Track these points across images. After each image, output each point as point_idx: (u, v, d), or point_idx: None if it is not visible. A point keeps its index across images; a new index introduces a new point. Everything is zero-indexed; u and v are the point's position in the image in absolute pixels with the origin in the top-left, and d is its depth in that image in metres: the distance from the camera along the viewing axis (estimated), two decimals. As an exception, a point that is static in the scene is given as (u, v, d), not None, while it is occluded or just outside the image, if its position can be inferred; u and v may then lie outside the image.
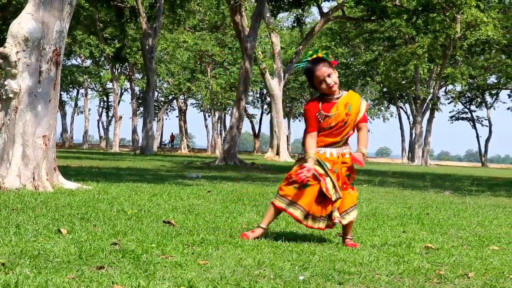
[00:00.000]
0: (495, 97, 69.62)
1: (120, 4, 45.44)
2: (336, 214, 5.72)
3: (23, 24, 10.16)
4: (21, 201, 8.05)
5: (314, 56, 5.82)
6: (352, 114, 5.74)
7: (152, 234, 5.67)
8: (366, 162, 44.86)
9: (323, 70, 5.72)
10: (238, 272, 4.24)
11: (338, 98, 5.78)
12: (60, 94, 70.81)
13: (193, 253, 4.87)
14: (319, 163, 5.70)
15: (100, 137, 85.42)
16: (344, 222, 5.78)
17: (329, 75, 5.70)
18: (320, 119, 5.74)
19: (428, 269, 4.70)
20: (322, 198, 5.71)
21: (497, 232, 7.10)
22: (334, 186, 5.67)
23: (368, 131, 6.14)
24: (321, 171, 5.68)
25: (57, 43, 10.51)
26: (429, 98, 53.51)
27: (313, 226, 5.76)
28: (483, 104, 70.62)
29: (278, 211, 5.83)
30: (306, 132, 5.82)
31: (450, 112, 75.52)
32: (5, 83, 10.13)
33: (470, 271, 4.71)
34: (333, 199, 5.67)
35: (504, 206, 10.85)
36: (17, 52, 10.11)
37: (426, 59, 50.35)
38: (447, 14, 43.31)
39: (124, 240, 5.32)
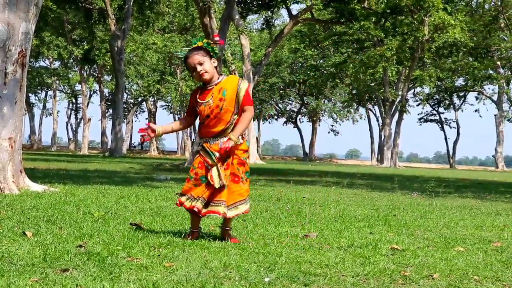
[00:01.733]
0: (462, 99, 70.21)
1: (89, 6, 45.22)
2: (221, 209, 5.67)
3: (-11, 25, 10.06)
4: (-14, 204, 7.97)
5: (195, 45, 5.82)
6: (227, 98, 5.66)
7: (118, 237, 5.64)
8: (335, 164, 44.77)
9: (195, 57, 5.70)
10: (204, 274, 4.24)
11: (216, 84, 5.75)
12: (28, 96, 70.42)
13: (159, 255, 4.85)
14: (207, 153, 5.69)
15: (69, 139, 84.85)
16: (230, 214, 5.75)
17: (200, 63, 5.68)
18: (196, 107, 5.77)
19: (393, 270, 4.72)
20: (208, 186, 5.69)
21: (463, 234, 7.15)
22: (219, 175, 5.64)
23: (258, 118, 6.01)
24: (210, 161, 5.68)
25: (23, 44, 10.43)
26: (397, 100, 53.80)
27: (191, 205, 5.70)
28: (451, 106, 71.17)
29: (191, 211, 5.79)
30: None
31: (418, 114, 76.27)
32: (-29, 84, 10.02)
33: (435, 272, 4.73)
34: (216, 186, 5.62)
35: (470, 208, 10.94)
36: (-17, 53, 10.01)
37: (395, 61, 50.63)
38: (415, 16, 43.60)
39: (90, 242, 5.28)
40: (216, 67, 5.80)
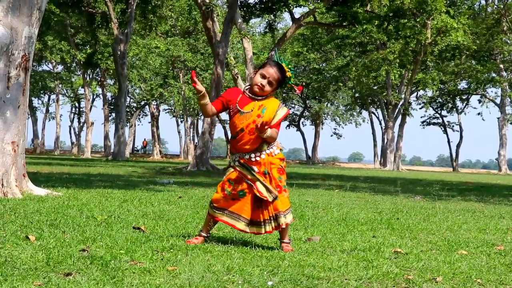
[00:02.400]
0: (465, 102, 70.07)
1: (91, 10, 45.25)
2: (282, 220, 5.71)
3: (-8, 29, 10.08)
4: (-11, 208, 7.97)
5: (282, 63, 5.80)
6: (264, 116, 5.66)
7: (121, 241, 5.64)
8: (338, 167, 44.84)
9: (272, 71, 5.72)
10: (207, 278, 4.24)
11: (259, 99, 5.76)
12: (31, 100, 70.42)
13: (162, 259, 4.85)
14: (246, 168, 5.70)
15: (72, 143, 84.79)
16: (282, 221, 5.75)
17: (269, 81, 5.71)
18: (230, 110, 5.77)
19: (396, 273, 4.72)
20: (260, 203, 5.71)
21: (466, 237, 7.15)
22: (267, 188, 5.65)
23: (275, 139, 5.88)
24: (250, 176, 5.68)
25: (26, 48, 10.44)
26: (400, 104, 53.78)
27: (260, 232, 5.77)
28: (454, 109, 71.06)
29: (215, 221, 5.87)
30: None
31: (421, 117, 75.82)
32: (-26, 89, 10.03)
33: (438, 275, 4.73)
34: (270, 200, 5.65)
35: (473, 211, 10.92)
36: (-14, 57, 10.03)
37: (397, 64, 50.66)
38: (417, 20, 43.58)
39: (93, 246, 5.28)
40: (272, 92, 5.80)
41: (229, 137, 5.86)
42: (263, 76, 5.71)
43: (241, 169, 5.73)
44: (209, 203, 5.92)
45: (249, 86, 5.83)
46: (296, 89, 5.89)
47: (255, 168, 5.67)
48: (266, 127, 5.54)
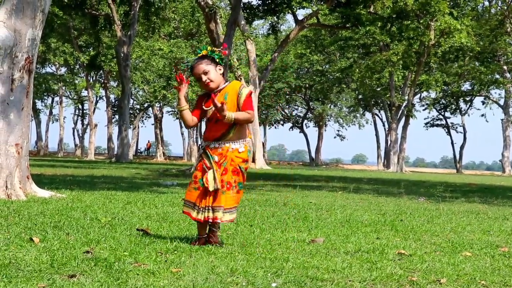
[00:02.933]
0: (469, 103, 70.04)
1: (95, 12, 45.32)
2: (219, 214, 5.67)
3: (-4, 31, 10.09)
4: (-7, 210, 7.98)
5: (200, 54, 5.83)
6: (228, 102, 5.66)
7: (125, 242, 5.64)
8: (342, 169, 44.82)
9: (200, 67, 5.74)
10: (211, 280, 4.24)
11: (220, 91, 5.77)
12: (35, 102, 70.49)
13: (166, 260, 4.85)
14: (207, 155, 5.71)
15: (76, 145, 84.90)
16: (225, 219, 5.73)
17: (205, 72, 5.72)
18: (202, 113, 5.81)
19: (400, 275, 4.72)
20: (205, 190, 5.70)
21: (470, 238, 7.14)
22: (214, 178, 5.63)
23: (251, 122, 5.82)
24: (208, 164, 5.69)
25: (29, 51, 10.45)
26: (404, 105, 53.75)
27: (196, 217, 5.73)
28: (458, 110, 71.03)
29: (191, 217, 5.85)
30: None
31: (425, 119, 76.16)
32: (-23, 91, 10.05)
33: (442, 277, 4.73)
34: (210, 189, 5.62)
35: (477, 212, 10.91)
36: (-10, 60, 10.04)
37: (401, 66, 50.61)
38: (421, 21, 43.58)
39: (97, 248, 5.29)
40: (222, 74, 5.81)
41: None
42: (199, 77, 5.76)
43: (204, 156, 5.76)
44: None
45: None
46: (222, 50, 5.88)
47: (216, 157, 5.68)
48: (219, 103, 5.52)
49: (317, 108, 76.56)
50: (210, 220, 5.72)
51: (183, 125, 71.94)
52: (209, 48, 5.87)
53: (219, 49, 5.88)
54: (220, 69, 5.80)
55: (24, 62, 10.38)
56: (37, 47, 10.73)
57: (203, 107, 5.78)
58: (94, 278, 4.13)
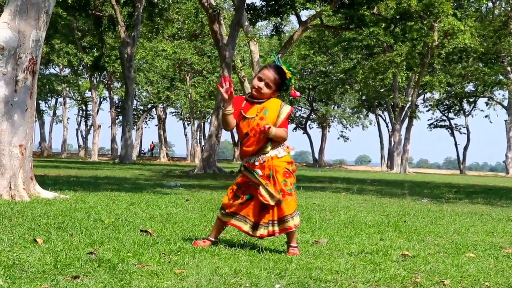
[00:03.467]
0: (472, 105, 70.01)
1: (98, 13, 45.37)
2: (291, 222, 5.67)
3: (-1, 33, 10.11)
4: (-3, 210, 7.98)
5: (283, 67, 5.78)
6: (267, 118, 5.66)
7: (128, 243, 5.64)
8: (345, 170, 44.79)
9: (269, 74, 5.70)
10: (214, 281, 4.24)
11: (260, 102, 5.75)
12: (38, 103, 70.56)
13: (169, 262, 4.85)
14: (250, 172, 5.70)
15: (79, 146, 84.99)
16: (295, 226, 5.72)
17: (266, 83, 5.69)
18: (239, 116, 5.78)
19: (404, 276, 4.71)
20: (264, 205, 5.68)
21: (474, 240, 7.13)
22: (269, 192, 5.61)
23: (285, 140, 5.80)
24: (254, 180, 5.68)
25: (33, 52, 10.46)
26: (407, 106, 53.75)
27: (263, 234, 5.73)
28: (461, 112, 71.03)
29: (224, 225, 5.88)
30: None
31: (428, 120, 75.87)
32: (-19, 92, 10.06)
33: (446, 278, 4.72)
34: (272, 203, 5.62)
35: (481, 214, 10.89)
36: (-7, 61, 10.05)
37: (404, 67, 50.65)
38: (424, 22, 43.59)
39: (100, 249, 5.28)
40: (271, 94, 5.76)
41: (236, 142, 5.86)
42: (260, 79, 5.72)
43: (246, 173, 5.74)
44: (219, 208, 5.92)
45: (249, 94, 5.86)
46: (292, 90, 5.85)
47: (259, 171, 5.66)
48: (268, 127, 5.53)
49: (320, 109, 76.58)
50: (277, 234, 5.73)
51: (186, 125, 71.39)
52: (289, 75, 5.80)
53: (294, 89, 5.84)
54: (274, 93, 5.77)
55: (28, 63, 10.39)
56: (41, 48, 10.74)
57: (242, 111, 5.75)
58: (97, 279, 4.13)
